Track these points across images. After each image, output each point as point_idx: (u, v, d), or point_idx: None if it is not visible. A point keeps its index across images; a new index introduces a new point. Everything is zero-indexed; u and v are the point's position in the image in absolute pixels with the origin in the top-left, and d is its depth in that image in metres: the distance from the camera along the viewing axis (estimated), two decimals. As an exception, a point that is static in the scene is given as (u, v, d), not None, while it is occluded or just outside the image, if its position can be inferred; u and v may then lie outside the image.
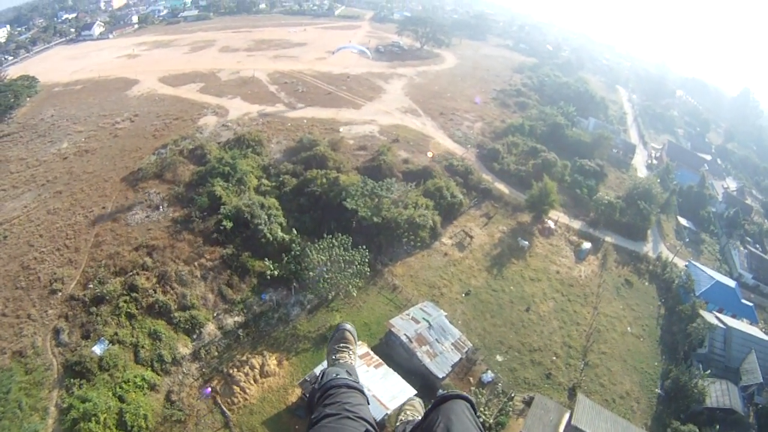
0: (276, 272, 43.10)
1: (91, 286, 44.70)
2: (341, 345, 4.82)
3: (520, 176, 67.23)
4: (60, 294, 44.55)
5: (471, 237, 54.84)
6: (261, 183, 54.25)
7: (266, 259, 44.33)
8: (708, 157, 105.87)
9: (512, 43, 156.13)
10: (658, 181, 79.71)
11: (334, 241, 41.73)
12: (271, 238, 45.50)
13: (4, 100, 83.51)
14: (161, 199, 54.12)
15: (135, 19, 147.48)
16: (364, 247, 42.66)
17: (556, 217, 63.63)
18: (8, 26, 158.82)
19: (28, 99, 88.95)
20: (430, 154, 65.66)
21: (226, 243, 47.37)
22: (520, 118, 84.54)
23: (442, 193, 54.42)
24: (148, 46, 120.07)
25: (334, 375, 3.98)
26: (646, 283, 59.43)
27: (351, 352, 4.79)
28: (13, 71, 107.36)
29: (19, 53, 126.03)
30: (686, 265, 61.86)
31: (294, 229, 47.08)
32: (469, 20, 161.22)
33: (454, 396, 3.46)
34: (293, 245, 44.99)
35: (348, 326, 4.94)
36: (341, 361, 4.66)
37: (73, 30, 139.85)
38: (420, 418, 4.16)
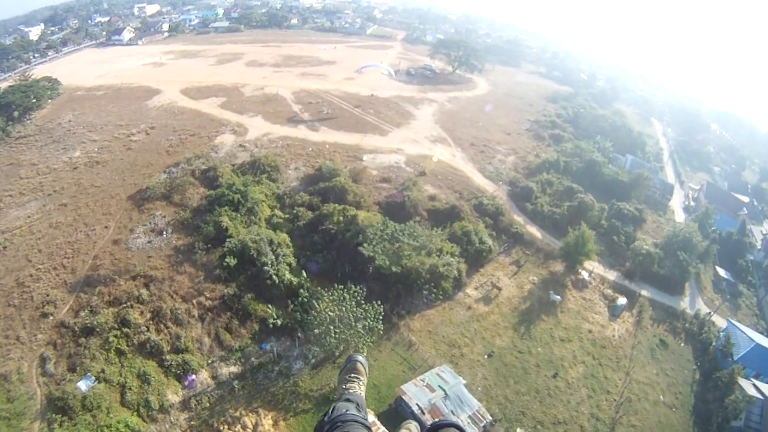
0: (279, 321, 38.31)
1: (83, 314, 41.22)
2: (352, 375, 4.80)
3: (555, 219, 61.65)
4: (51, 318, 41.39)
5: (499, 289, 49.29)
6: (274, 214, 49.93)
7: (269, 306, 39.69)
8: (746, 199, 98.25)
9: (546, 70, 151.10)
10: (697, 226, 73.30)
11: (345, 294, 36.77)
12: (277, 281, 40.80)
13: (25, 101, 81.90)
14: (166, 223, 50.21)
15: (165, 27, 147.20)
16: (379, 302, 37.59)
17: (591, 267, 57.76)
18: (42, 25, 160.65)
19: (49, 101, 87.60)
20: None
21: (228, 280, 42.95)
22: (555, 153, 79.08)
23: (470, 238, 49.18)
24: (175, 55, 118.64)
25: (344, 410, 3.89)
26: (682, 344, 53.45)
27: (361, 383, 4.78)
28: (40, 71, 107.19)
29: (48, 53, 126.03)
30: (725, 326, 55.72)
31: (304, 271, 42.37)
32: (503, 45, 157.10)
33: (447, 425, 3.64)
34: (301, 291, 40.21)
35: (360, 357, 4.93)
36: (351, 391, 4.64)
37: (103, 34, 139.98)
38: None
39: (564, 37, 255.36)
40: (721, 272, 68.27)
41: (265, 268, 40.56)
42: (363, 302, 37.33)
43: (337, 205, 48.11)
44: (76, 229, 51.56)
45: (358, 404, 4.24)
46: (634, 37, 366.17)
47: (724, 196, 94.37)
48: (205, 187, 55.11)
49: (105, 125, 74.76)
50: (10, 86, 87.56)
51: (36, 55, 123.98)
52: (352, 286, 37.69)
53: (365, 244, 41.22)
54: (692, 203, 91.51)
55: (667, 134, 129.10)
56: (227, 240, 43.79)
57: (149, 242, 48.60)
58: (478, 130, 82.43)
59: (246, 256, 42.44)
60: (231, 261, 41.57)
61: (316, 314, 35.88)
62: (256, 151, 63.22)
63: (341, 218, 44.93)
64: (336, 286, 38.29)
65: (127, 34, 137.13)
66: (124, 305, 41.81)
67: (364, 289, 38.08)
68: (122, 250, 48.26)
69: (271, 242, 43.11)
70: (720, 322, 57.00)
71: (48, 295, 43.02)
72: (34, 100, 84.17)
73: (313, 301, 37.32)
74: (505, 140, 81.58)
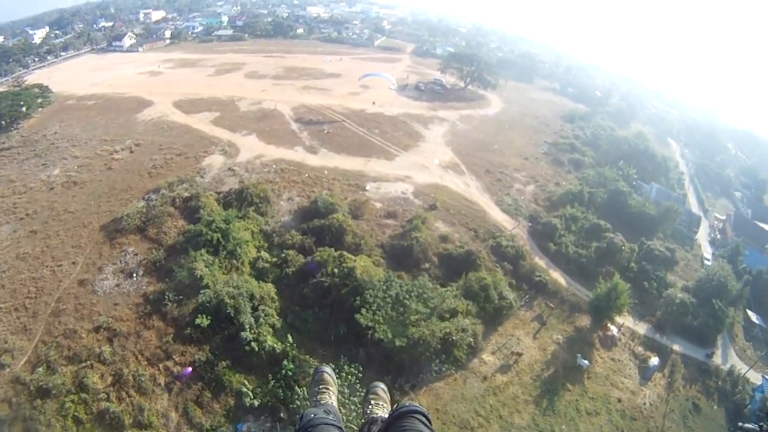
0: (256, 402, 31.20)
1: (40, 371, 35.15)
2: (321, 387, 4.73)
3: (581, 263, 54.36)
4: (7, 371, 35.57)
5: (519, 354, 41.87)
6: (260, 256, 42.79)
7: (246, 381, 32.54)
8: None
9: (559, 87, 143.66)
10: (729, 266, 65.78)
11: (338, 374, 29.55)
12: (257, 348, 33.67)
13: (12, 111, 75.90)
14: (137, 263, 43.37)
15: (167, 34, 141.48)
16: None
17: (621, 320, 50.37)
18: (47, 28, 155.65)
19: (39, 109, 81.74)
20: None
21: (201, 341, 35.93)
22: (578, 183, 71.84)
23: (488, 294, 41.72)
24: (174, 64, 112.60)
25: (312, 415, 3.77)
26: (715, 407, 46.28)
27: (332, 393, 4.70)
28: (37, 76, 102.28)
29: (47, 58, 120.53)
30: (761, 382, 48.27)
31: (290, 335, 35.14)
32: (516, 60, 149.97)
33: (411, 411, 3.52)
34: (285, 362, 33.01)
35: (326, 369, 4.91)
36: (323, 401, 4.57)
37: (104, 39, 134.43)
38: (384, 416, 4.29)
39: (575, 51, 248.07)
40: (753, 317, 60.58)
41: (243, 334, 33.43)
42: (359, 383, 30.08)
43: (332, 250, 40.93)
44: (43, 263, 45.19)
45: (326, 411, 4.01)
46: (645, 49, 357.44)
47: (750, 227, 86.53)
48: (185, 218, 48.32)
49: (89, 140, 68.43)
50: (1, 92, 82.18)
51: (36, 59, 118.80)
52: (346, 365, 30.43)
53: (363, 310, 33.82)
54: (718, 236, 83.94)
55: (685, 156, 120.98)
56: (201, 292, 36.79)
57: (117, 286, 41.83)
58: (494, 154, 75.25)
59: (222, 314, 35.45)
60: (203, 321, 34.59)
61: (299, 402, 28.69)
62: (246, 177, 56.30)
63: (336, 271, 37.72)
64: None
65: (127, 41, 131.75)
66: (84, 364, 35.37)
67: (361, 369, 30.82)
68: (88, 293, 41.70)
69: (252, 297, 36.11)
70: (755, 377, 49.68)
71: (6, 342, 37.28)
72: (24, 109, 78.36)
73: (297, 388, 30.01)
74: (523, 166, 74.37)
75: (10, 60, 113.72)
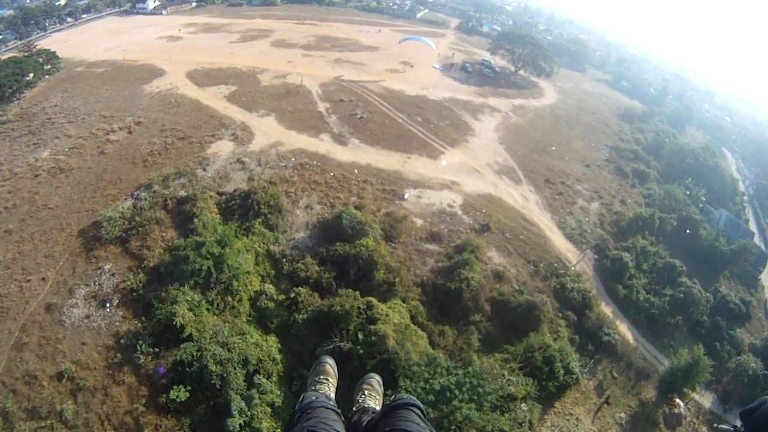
0: None
1: None
2: (321, 377, 4.54)
3: (651, 314, 43.14)
4: None
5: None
6: (263, 290, 32.74)
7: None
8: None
9: (611, 79, 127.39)
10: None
11: None
12: (247, 440, 23.92)
13: (15, 80, 67.36)
14: (113, 287, 34.04)
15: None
16: None
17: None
18: None
19: (46, 77, 73.09)
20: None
21: (180, 413, 26.48)
22: (644, 201, 60.45)
23: (552, 368, 30.79)
24: (197, 28, 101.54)
25: (313, 398, 3.78)
26: None
27: (331, 385, 4.53)
28: (53, 40, 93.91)
29: (66, 20, 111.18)
30: None
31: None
32: (567, 45, 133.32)
33: (408, 403, 3.46)
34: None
35: (328, 359, 4.71)
36: (321, 391, 4.33)
37: (129, 1, 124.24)
38: (376, 407, 4.19)
39: (625, 39, 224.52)
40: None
41: (230, 421, 23.64)
42: None
43: (357, 294, 30.46)
44: (12, 275, 36.95)
45: (326, 396, 4.08)
46: (698, 43, 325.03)
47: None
48: (177, 227, 38.52)
49: (88, 114, 59.08)
50: (4, 60, 73.86)
51: (56, 22, 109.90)
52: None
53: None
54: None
55: (741, 171, 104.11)
56: (181, 346, 27.12)
57: (87, 317, 32.75)
58: (553, 158, 62.68)
59: (205, 383, 25.76)
60: (181, 395, 25.00)
61: None
62: (257, 172, 45.77)
63: (361, 336, 27.31)
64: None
65: (151, 2, 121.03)
66: (44, 423, 27.64)
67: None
68: (54, 324, 33.06)
69: (246, 362, 26.17)
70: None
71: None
72: (29, 77, 69.98)
73: None
74: (584, 175, 61.79)
75: (30, 22, 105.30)
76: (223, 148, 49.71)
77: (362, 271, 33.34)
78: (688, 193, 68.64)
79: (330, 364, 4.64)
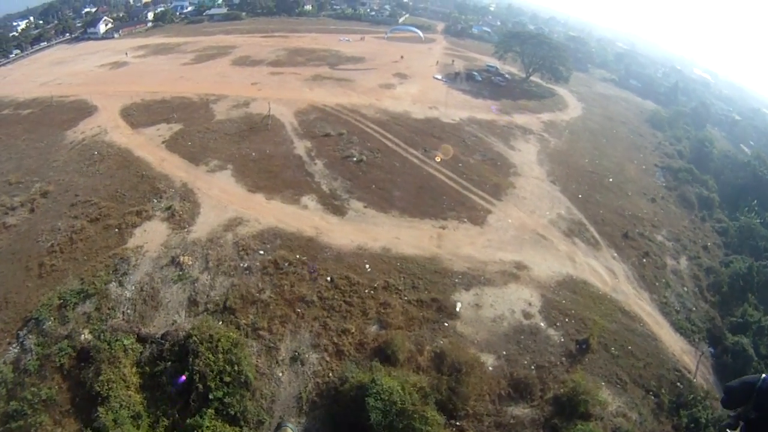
0: None
1: None
2: None
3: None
4: None
5: None
6: None
7: None
8: None
9: (618, 78, 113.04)
10: None
11: None
12: None
13: None
14: None
15: (150, 16, 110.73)
16: None
17: None
18: (32, 18, 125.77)
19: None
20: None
21: None
22: (727, 249, 45.92)
23: None
24: (147, 50, 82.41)
25: None
26: None
27: None
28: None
29: (11, 53, 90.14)
30: None
31: None
32: (567, 44, 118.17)
33: None
34: None
35: (290, 425, 3.33)
36: None
37: (79, 26, 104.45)
38: None
39: (607, 32, 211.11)
40: None
41: None
42: None
43: None
44: None
45: None
46: (688, 29, 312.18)
47: None
48: (77, 413, 20.50)
49: (-13, 181, 40.12)
50: None
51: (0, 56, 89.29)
52: None
53: None
54: None
55: None
56: None
57: None
58: (616, 195, 45.99)
59: None
60: None
61: None
62: (204, 285, 27.39)
63: None
64: None
65: (103, 26, 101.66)
66: None
67: None
68: None
69: None
70: None
71: None
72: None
73: None
74: (656, 215, 45.48)
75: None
76: (151, 237, 31.10)
77: None
78: (760, 221, 53.55)
79: (291, 429, 6.21)
